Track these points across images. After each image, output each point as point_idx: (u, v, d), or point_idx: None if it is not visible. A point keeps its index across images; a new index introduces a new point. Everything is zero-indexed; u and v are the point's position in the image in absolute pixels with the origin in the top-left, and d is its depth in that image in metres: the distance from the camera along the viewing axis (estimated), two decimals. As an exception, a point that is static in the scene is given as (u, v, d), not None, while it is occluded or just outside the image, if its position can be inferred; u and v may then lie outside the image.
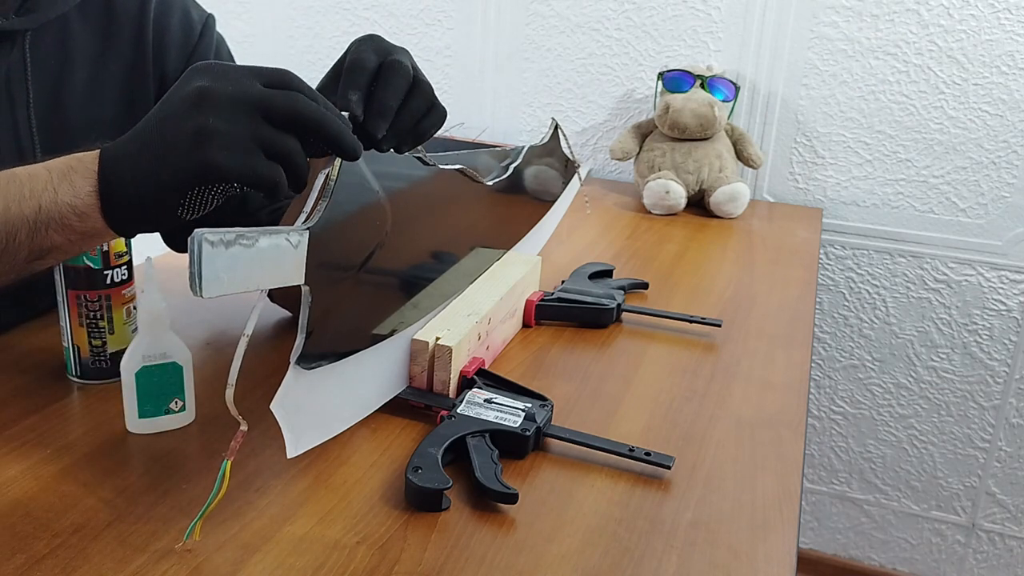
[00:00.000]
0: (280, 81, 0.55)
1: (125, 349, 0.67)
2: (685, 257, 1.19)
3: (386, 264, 0.70)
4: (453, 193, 0.80)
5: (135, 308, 0.72)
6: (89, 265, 0.69)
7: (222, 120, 0.52)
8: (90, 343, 0.72)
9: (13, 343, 0.80)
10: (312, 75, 0.61)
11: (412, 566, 0.55)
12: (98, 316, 0.71)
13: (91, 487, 0.60)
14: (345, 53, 0.65)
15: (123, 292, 0.72)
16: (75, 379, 0.74)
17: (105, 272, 0.70)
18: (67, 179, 0.57)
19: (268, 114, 0.53)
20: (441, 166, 0.75)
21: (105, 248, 0.69)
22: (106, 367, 0.73)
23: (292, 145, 0.55)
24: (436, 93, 0.67)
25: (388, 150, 0.64)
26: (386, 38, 0.66)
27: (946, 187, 1.47)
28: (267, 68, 0.56)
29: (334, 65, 0.66)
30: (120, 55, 0.87)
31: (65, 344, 0.73)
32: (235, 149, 0.53)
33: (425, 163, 0.71)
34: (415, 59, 0.67)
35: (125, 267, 0.72)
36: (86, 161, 0.57)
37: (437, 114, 0.67)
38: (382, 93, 0.62)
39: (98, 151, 0.57)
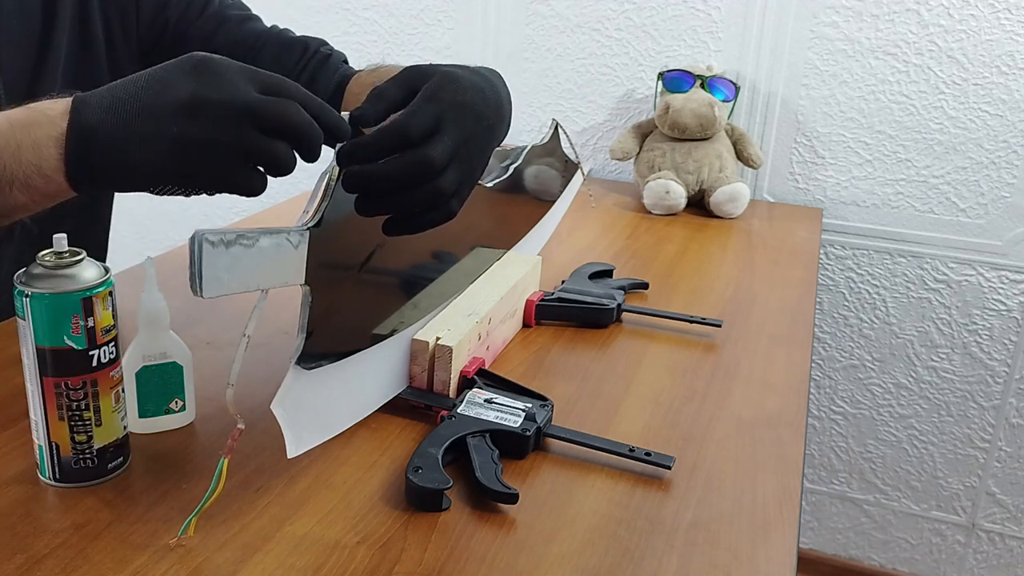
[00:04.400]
0: (275, 87, 0.54)
1: (113, 442, 0.61)
2: (685, 257, 1.19)
3: (386, 264, 0.70)
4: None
5: (123, 391, 0.62)
6: (71, 346, 0.57)
7: (208, 129, 0.51)
8: (72, 439, 0.59)
9: (12, 343, 0.80)
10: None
11: (412, 566, 0.55)
12: (82, 407, 0.59)
13: (91, 487, 0.61)
14: (437, 88, 0.60)
15: (111, 374, 0.60)
16: (51, 483, 0.61)
17: (90, 353, 0.58)
18: (30, 135, 0.55)
19: (257, 122, 0.52)
20: None
21: (90, 324, 0.57)
22: (92, 466, 0.60)
23: (280, 151, 0.54)
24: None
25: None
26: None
27: (946, 187, 1.47)
28: (264, 74, 0.55)
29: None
30: None
31: (39, 442, 0.60)
32: (214, 161, 0.52)
33: None
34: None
35: (112, 344, 0.59)
36: (54, 118, 0.55)
37: (428, 216, 0.61)
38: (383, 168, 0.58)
39: (66, 107, 0.55)
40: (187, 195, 0.56)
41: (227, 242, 0.50)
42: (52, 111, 0.55)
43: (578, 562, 0.56)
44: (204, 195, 0.56)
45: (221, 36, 0.94)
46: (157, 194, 0.56)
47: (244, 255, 0.51)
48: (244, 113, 0.52)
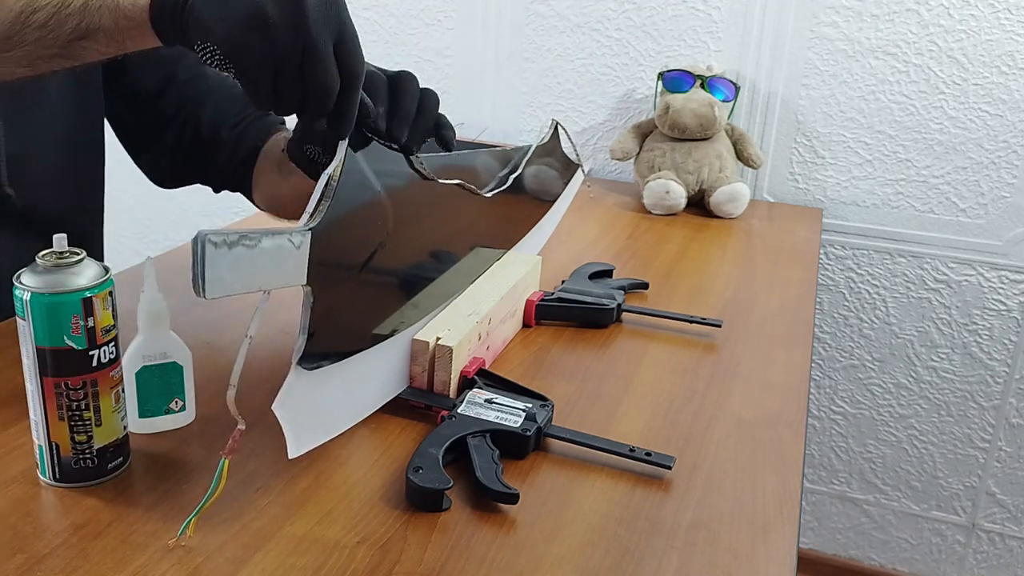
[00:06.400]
0: (347, 59, 0.55)
1: (113, 442, 0.61)
2: (685, 257, 1.19)
3: (387, 264, 0.70)
4: (453, 193, 0.80)
5: (123, 391, 0.62)
6: (71, 346, 0.57)
7: (271, 23, 0.53)
8: (72, 439, 0.60)
9: (12, 343, 0.80)
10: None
11: (412, 566, 0.55)
12: (82, 407, 0.59)
13: (91, 487, 0.61)
14: None
15: (111, 374, 0.60)
16: (51, 483, 0.61)
17: (90, 353, 0.58)
18: None
19: (301, 60, 0.54)
20: (441, 180, 0.73)
21: (90, 324, 0.57)
22: (92, 466, 0.61)
23: (290, 101, 0.55)
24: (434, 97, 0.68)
25: (415, 152, 0.66)
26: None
27: (946, 187, 1.47)
28: (350, 36, 0.56)
29: None
30: None
31: (38, 442, 0.60)
32: (260, 53, 0.53)
33: (424, 176, 0.69)
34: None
35: (112, 344, 0.59)
36: None
37: (445, 121, 0.68)
38: (401, 99, 0.63)
39: None
40: (231, 74, 0.56)
41: (230, 243, 0.49)
42: None
43: (578, 562, 0.56)
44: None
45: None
46: (215, 64, 0.55)
47: (246, 256, 0.51)
48: (296, 44, 0.53)
